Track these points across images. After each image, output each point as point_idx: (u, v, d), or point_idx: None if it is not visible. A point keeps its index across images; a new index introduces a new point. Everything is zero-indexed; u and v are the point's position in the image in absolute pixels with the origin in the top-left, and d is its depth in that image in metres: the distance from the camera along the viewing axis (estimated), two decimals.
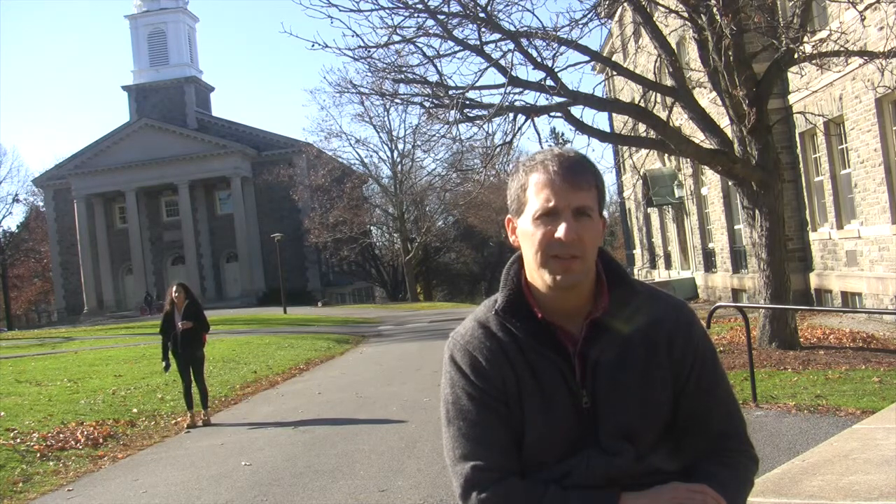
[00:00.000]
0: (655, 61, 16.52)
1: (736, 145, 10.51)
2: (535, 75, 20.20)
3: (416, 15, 10.37)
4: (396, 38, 10.54)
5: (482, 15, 10.28)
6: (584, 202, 1.52)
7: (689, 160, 18.93)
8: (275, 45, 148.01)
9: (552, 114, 10.97)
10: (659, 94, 13.44)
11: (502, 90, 10.47)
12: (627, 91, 23.25)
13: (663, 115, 11.94)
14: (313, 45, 10.37)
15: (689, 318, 1.63)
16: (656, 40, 10.96)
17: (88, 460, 7.76)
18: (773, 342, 10.24)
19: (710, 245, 21.33)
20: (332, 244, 44.59)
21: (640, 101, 13.08)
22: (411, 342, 18.89)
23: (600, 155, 67.56)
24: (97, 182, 49.28)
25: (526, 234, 1.55)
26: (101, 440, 8.46)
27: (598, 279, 1.60)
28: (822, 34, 10.93)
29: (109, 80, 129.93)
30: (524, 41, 10.45)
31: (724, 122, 11.72)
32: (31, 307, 65.19)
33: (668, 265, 26.76)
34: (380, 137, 46.20)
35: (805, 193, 15.71)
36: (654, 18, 11.46)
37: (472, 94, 10.76)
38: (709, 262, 21.63)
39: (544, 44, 10.45)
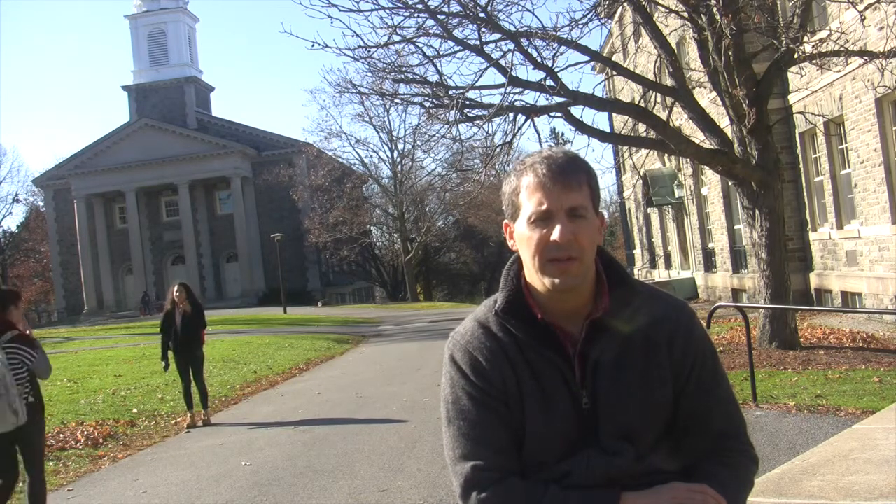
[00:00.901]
0: (655, 61, 16.52)
1: (736, 145, 10.51)
2: (535, 75, 20.21)
3: (416, 15, 10.37)
4: (396, 38, 10.55)
5: (482, 15, 10.28)
6: (576, 202, 1.51)
7: (689, 160, 18.93)
8: (275, 45, 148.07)
9: (552, 114, 10.97)
10: (659, 94, 13.44)
11: (502, 90, 10.48)
12: (627, 91, 23.25)
13: (663, 115, 11.94)
14: (313, 45, 10.37)
15: (689, 319, 1.63)
16: (656, 40, 10.96)
17: (88, 460, 7.76)
18: (773, 342, 10.24)
19: (710, 245, 21.33)
20: (332, 244, 44.57)
21: (640, 101, 13.08)
22: (411, 342, 18.89)
23: (600, 155, 67.48)
24: (97, 182, 49.28)
25: (522, 238, 1.55)
26: (101, 440, 8.47)
27: (599, 279, 1.60)
28: (822, 34, 10.93)
29: (109, 80, 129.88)
30: (524, 41, 10.46)
31: (724, 122, 11.73)
32: (31, 307, 65.12)
33: (668, 265, 26.76)
34: (380, 137, 46.26)
35: (805, 193, 15.71)
36: (654, 18, 11.46)
37: (472, 94, 10.77)
38: (709, 262, 21.63)
39: (544, 44, 10.46)
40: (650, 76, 16.11)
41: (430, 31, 10.61)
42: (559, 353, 1.56)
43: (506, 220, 1.63)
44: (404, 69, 11.59)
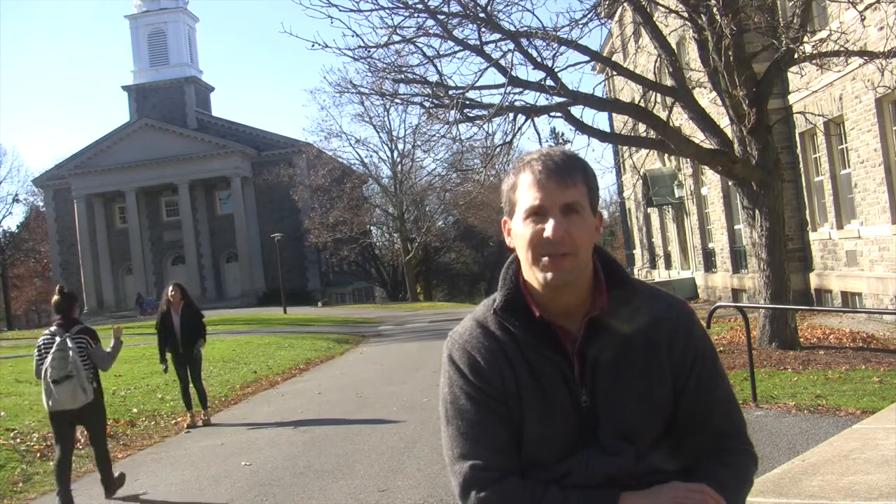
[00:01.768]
0: (655, 61, 16.52)
1: (736, 145, 10.51)
2: (535, 75, 20.22)
3: (416, 15, 10.38)
4: (396, 38, 10.55)
5: (482, 15, 10.28)
6: (572, 199, 1.51)
7: (689, 160, 18.93)
8: (275, 45, 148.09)
9: (552, 114, 10.97)
10: (659, 94, 13.44)
11: (502, 90, 10.48)
12: (627, 91, 23.25)
13: (663, 115, 11.94)
14: (313, 45, 10.38)
15: (689, 318, 1.63)
16: (656, 40, 10.96)
17: (88, 460, 7.74)
18: (773, 342, 10.24)
19: (710, 245, 21.33)
20: (332, 244, 44.55)
21: (640, 101, 13.08)
22: (411, 342, 18.89)
23: (600, 155, 67.50)
24: (97, 182, 49.28)
25: (518, 234, 1.56)
26: None
27: (597, 277, 1.60)
28: (822, 34, 10.93)
29: (109, 80, 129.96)
30: (524, 41, 10.46)
31: (724, 122, 11.72)
32: (31, 307, 65.16)
33: (668, 265, 26.75)
34: (380, 137, 46.26)
35: (805, 193, 15.71)
36: (654, 18, 11.46)
37: (472, 94, 10.78)
38: (709, 262, 21.63)
39: (544, 44, 10.46)
40: (650, 76, 16.11)
41: (430, 31, 10.62)
42: (558, 352, 1.56)
43: (504, 218, 1.63)
44: (404, 69, 11.60)
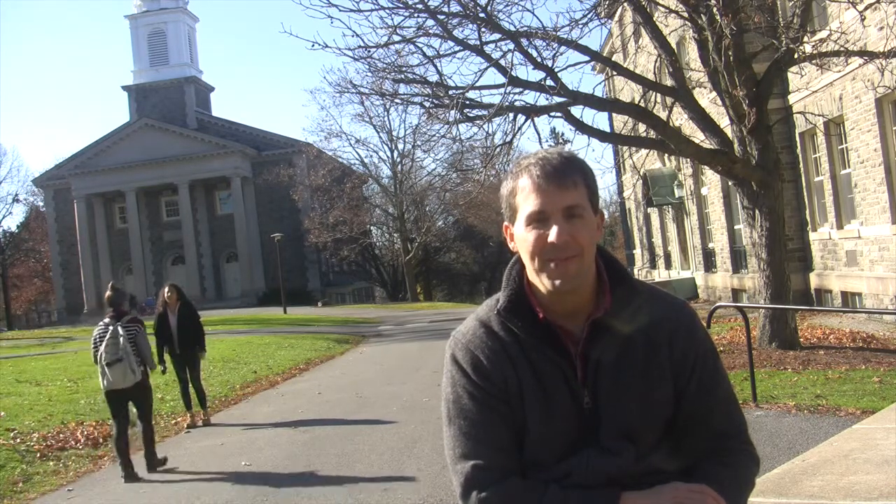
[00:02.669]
0: (655, 61, 16.52)
1: (736, 145, 10.51)
2: (535, 75, 20.22)
3: (416, 15, 10.37)
4: (396, 38, 10.55)
5: (482, 15, 10.28)
6: (572, 202, 1.51)
7: (689, 160, 18.93)
8: (275, 45, 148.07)
9: (552, 114, 10.97)
10: (659, 94, 13.44)
11: (502, 90, 10.48)
12: (627, 91, 23.25)
13: (663, 115, 11.93)
14: (313, 45, 10.38)
15: (690, 318, 1.63)
16: (656, 40, 10.96)
17: (88, 460, 7.76)
18: (773, 342, 10.24)
19: (710, 245, 21.33)
20: (332, 244, 44.54)
21: (640, 101, 13.07)
22: (411, 342, 18.89)
23: (600, 155, 67.56)
24: (97, 182, 49.25)
25: (521, 240, 1.56)
26: (101, 440, 8.46)
27: (600, 278, 1.60)
28: (822, 34, 10.93)
29: (109, 80, 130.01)
30: (524, 41, 10.45)
31: (724, 122, 11.72)
32: (31, 307, 65.16)
33: (668, 265, 26.76)
34: (380, 137, 46.25)
35: (805, 193, 15.71)
36: (654, 18, 11.46)
37: (472, 94, 10.77)
38: (709, 262, 21.63)
39: (544, 44, 10.45)
40: (650, 76, 16.10)
41: (430, 31, 10.62)
42: (561, 353, 1.56)
43: (505, 223, 1.63)
44: (404, 69, 11.59)
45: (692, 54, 16.03)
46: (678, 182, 23.08)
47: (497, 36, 10.54)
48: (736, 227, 18.52)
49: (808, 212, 15.66)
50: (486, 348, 1.58)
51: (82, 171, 49.43)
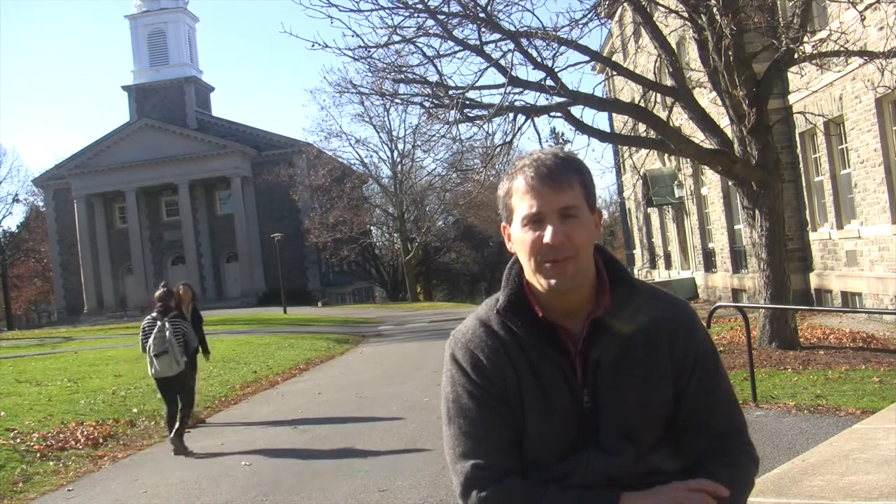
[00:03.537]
0: (655, 61, 16.52)
1: (736, 145, 10.51)
2: (535, 75, 20.19)
3: (416, 15, 10.37)
4: (396, 38, 10.55)
5: (482, 15, 10.28)
6: (567, 202, 1.51)
7: (689, 160, 18.93)
8: (275, 45, 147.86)
9: (552, 114, 10.97)
10: (659, 94, 13.44)
11: (502, 90, 10.47)
12: (627, 91, 23.24)
13: (663, 115, 11.93)
14: (313, 45, 10.37)
15: (690, 318, 1.63)
16: (656, 40, 10.96)
17: (88, 460, 7.76)
18: (773, 342, 10.24)
19: (710, 245, 21.33)
20: (332, 244, 44.51)
21: (640, 101, 13.07)
22: (411, 342, 18.89)
23: (600, 155, 67.39)
24: (97, 182, 49.23)
25: (517, 241, 1.56)
26: (101, 440, 8.46)
27: (600, 278, 1.60)
28: (822, 34, 10.93)
29: (109, 80, 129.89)
30: (524, 41, 10.45)
31: (724, 122, 11.72)
32: (31, 307, 65.16)
33: (668, 265, 26.76)
34: (380, 137, 46.21)
35: (805, 193, 15.71)
36: (654, 18, 11.46)
37: (472, 94, 10.77)
38: (709, 262, 21.63)
39: (544, 44, 10.45)
40: (650, 76, 16.10)
41: (430, 31, 10.61)
42: (560, 352, 1.56)
43: (503, 224, 1.63)
44: (404, 69, 11.59)
45: (692, 54, 16.03)
46: (678, 182, 23.08)
47: (497, 36, 10.54)
48: (736, 227, 18.52)
49: (808, 212, 15.66)
50: (486, 348, 1.58)
51: (82, 171, 49.42)
